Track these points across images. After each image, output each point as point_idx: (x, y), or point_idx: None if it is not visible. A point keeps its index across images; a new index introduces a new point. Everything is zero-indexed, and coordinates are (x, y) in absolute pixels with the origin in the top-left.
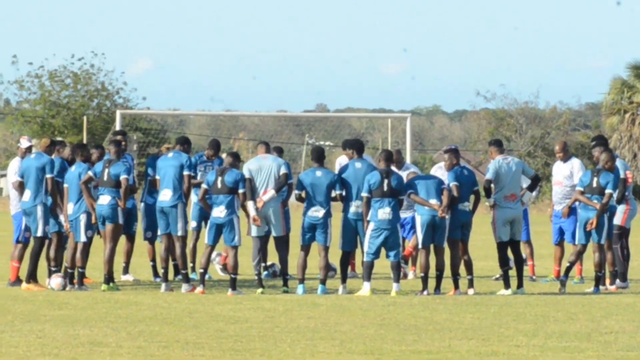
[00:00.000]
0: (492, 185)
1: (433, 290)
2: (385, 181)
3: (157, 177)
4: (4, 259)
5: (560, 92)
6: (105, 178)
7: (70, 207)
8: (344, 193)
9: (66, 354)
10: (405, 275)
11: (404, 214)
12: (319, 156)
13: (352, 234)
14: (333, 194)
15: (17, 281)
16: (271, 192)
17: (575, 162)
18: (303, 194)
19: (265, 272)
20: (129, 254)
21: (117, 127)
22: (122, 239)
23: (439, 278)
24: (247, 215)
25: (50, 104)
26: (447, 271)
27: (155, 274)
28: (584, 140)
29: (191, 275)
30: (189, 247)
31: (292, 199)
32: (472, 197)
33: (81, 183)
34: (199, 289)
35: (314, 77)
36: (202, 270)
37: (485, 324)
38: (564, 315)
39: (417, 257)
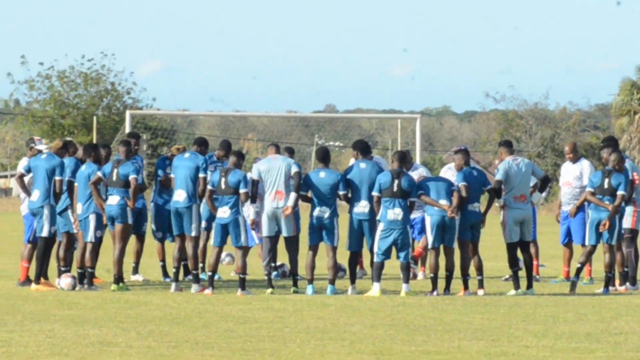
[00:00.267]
0: (502, 186)
1: (442, 291)
2: (396, 181)
3: (172, 175)
4: (15, 259)
5: (570, 94)
6: (114, 178)
7: (79, 207)
8: (349, 194)
9: (76, 354)
10: (415, 276)
11: (414, 215)
12: (323, 156)
13: (358, 234)
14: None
15: (27, 281)
16: (293, 195)
17: (584, 163)
18: (309, 194)
19: (275, 273)
20: (138, 254)
21: (127, 127)
22: (132, 239)
23: (449, 279)
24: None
25: (60, 103)
26: (457, 272)
27: (165, 274)
28: (594, 141)
29: (201, 276)
30: (200, 248)
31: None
32: (483, 198)
33: (90, 184)
34: (208, 291)
35: (323, 77)
36: (210, 273)
37: (495, 324)
38: (574, 316)
39: (426, 257)
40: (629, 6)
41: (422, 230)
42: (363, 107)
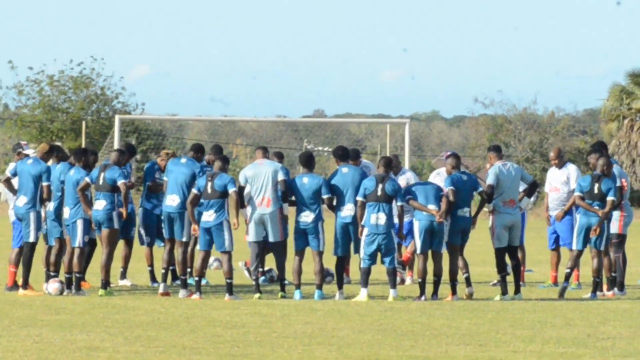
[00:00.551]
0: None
1: (430, 296)
2: (380, 186)
3: (165, 178)
4: (2, 264)
5: (558, 99)
6: (100, 182)
7: (66, 212)
8: (333, 199)
9: (63, 359)
10: (403, 281)
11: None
12: (306, 161)
13: (345, 238)
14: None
15: (15, 286)
16: (285, 206)
17: (571, 168)
18: (293, 199)
19: (263, 278)
20: (127, 259)
21: (116, 132)
22: (120, 244)
23: (437, 284)
24: (245, 221)
25: (49, 108)
26: (445, 276)
27: (153, 279)
28: (582, 146)
29: (189, 281)
30: (188, 253)
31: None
32: (474, 203)
33: (78, 190)
34: (195, 296)
35: (312, 82)
36: (197, 279)
37: (483, 329)
38: (561, 321)
39: (414, 262)
40: (618, 12)
41: (411, 235)
42: (352, 111)
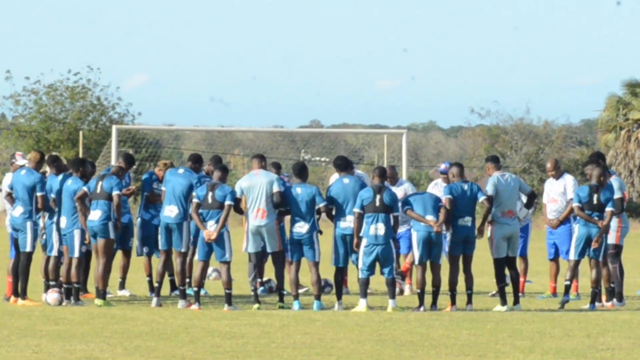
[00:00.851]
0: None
1: (429, 307)
2: (378, 197)
3: (163, 188)
4: (1, 274)
5: (555, 110)
6: (98, 190)
7: (63, 222)
8: (332, 209)
9: None
10: (402, 291)
11: (400, 229)
12: (299, 172)
13: (343, 249)
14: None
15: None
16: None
17: (568, 178)
18: (285, 209)
19: (262, 288)
20: (125, 269)
21: (113, 141)
22: (119, 254)
23: (436, 294)
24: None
25: (46, 118)
26: (444, 287)
27: (152, 289)
28: (578, 157)
29: (187, 291)
30: (186, 263)
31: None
32: (480, 211)
33: (76, 199)
34: (194, 306)
35: (309, 92)
36: (196, 289)
37: (482, 340)
38: (561, 331)
39: (413, 272)
40: (614, 22)
41: (409, 245)
42: (349, 122)
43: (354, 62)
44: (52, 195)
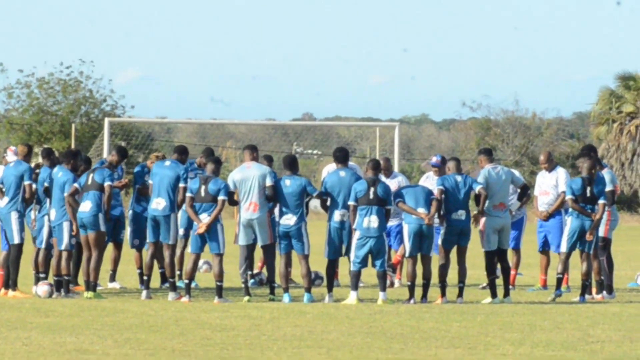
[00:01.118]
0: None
1: (420, 299)
2: (372, 189)
3: (151, 181)
4: None
5: (548, 104)
6: (89, 182)
7: (52, 214)
8: (327, 200)
9: None
10: (392, 284)
11: (391, 222)
12: (290, 164)
13: (337, 242)
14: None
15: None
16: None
17: (560, 171)
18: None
19: (252, 280)
20: (116, 262)
21: (106, 134)
22: (110, 247)
23: (426, 287)
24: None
25: (38, 110)
26: (435, 279)
27: (142, 282)
28: (569, 150)
29: (178, 283)
30: (177, 255)
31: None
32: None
33: (67, 196)
34: (185, 299)
35: (302, 85)
36: (187, 281)
37: (472, 332)
38: (551, 324)
39: (403, 265)
40: (608, 15)
41: (401, 238)
42: (341, 115)
43: (347, 57)
44: (45, 184)
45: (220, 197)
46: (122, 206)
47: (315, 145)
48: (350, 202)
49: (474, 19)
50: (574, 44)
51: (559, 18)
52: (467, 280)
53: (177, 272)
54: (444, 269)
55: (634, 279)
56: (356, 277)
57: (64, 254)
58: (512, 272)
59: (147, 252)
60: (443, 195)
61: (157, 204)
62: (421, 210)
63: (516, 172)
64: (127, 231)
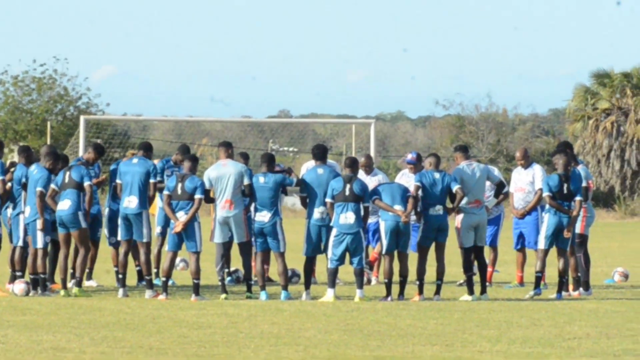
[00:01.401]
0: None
1: (397, 296)
2: (347, 186)
3: (119, 181)
4: None
5: (523, 99)
6: (67, 180)
7: (27, 211)
8: (306, 196)
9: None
10: (369, 281)
11: (369, 220)
12: (267, 160)
13: (316, 240)
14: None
15: None
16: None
17: (536, 168)
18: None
19: (229, 278)
20: (92, 260)
21: (81, 132)
22: None
23: (403, 284)
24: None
25: (14, 108)
26: (412, 276)
27: (119, 280)
28: (544, 147)
29: (155, 281)
30: (154, 253)
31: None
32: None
33: (48, 198)
34: (162, 296)
35: (278, 83)
36: (164, 279)
37: (449, 329)
38: (528, 321)
39: (380, 263)
40: (582, 13)
41: (379, 236)
42: (317, 112)
43: (323, 54)
44: (23, 181)
45: (197, 196)
46: (99, 204)
47: (291, 142)
48: (328, 200)
49: (450, 17)
50: (548, 41)
51: (534, 16)
52: (445, 278)
53: (154, 270)
54: (421, 267)
55: (610, 275)
56: (333, 274)
57: (39, 252)
58: (489, 269)
59: (121, 250)
60: (420, 192)
61: (129, 202)
62: (398, 208)
63: (495, 170)
64: (104, 229)
